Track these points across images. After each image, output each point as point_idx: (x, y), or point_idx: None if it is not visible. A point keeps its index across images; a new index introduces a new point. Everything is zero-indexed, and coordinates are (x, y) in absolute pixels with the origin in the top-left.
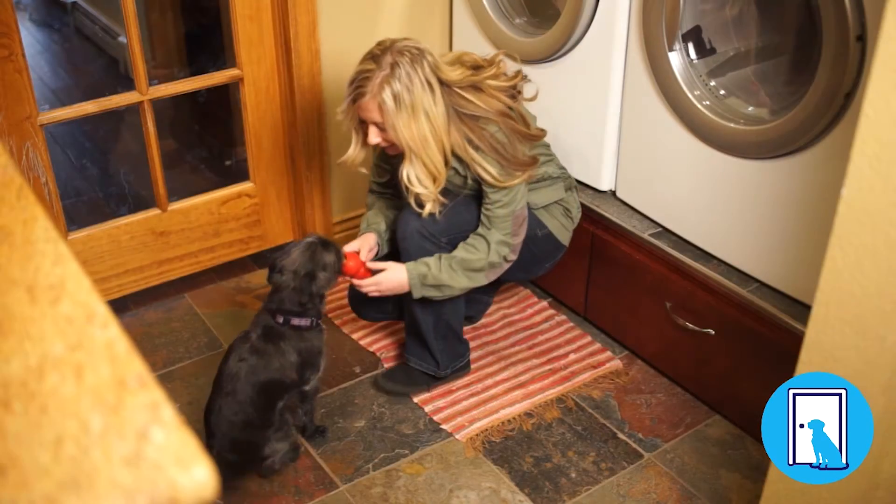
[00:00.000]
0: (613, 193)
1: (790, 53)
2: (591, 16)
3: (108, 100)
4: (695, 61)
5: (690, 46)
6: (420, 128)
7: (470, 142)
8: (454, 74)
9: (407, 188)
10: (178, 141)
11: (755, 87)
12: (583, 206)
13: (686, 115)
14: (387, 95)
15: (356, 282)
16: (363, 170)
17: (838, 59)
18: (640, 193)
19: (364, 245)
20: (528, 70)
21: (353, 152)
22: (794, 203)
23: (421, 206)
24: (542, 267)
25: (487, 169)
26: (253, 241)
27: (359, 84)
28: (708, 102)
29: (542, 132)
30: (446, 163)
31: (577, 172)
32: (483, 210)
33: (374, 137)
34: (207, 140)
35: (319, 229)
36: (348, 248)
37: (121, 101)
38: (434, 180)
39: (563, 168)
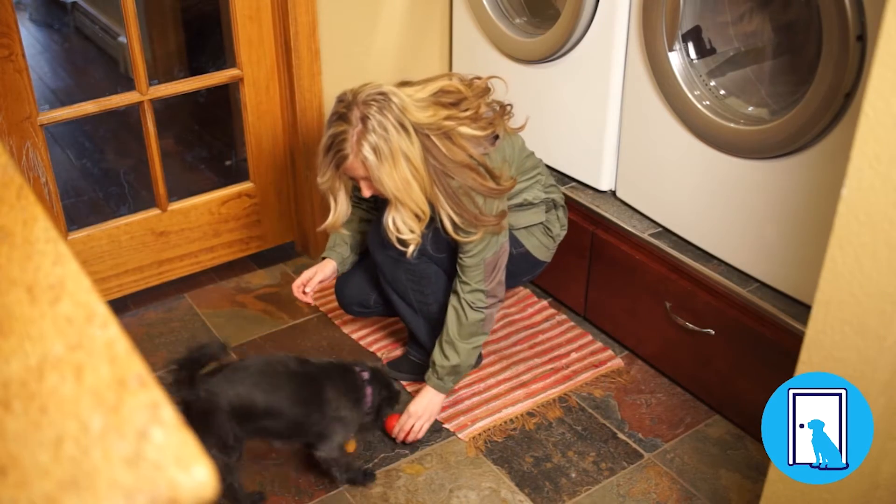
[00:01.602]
0: (613, 193)
1: (790, 53)
2: (591, 16)
3: (108, 100)
4: (695, 61)
5: (690, 46)
6: (402, 173)
7: (434, 184)
8: (423, 117)
9: (390, 232)
10: (178, 141)
11: (755, 87)
12: (583, 206)
13: (686, 115)
14: (367, 151)
15: (408, 439)
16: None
17: (838, 59)
18: (640, 193)
19: (319, 274)
20: (528, 70)
21: (340, 212)
22: (794, 203)
23: (405, 245)
24: (519, 280)
25: (445, 218)
26: (253, 241)
27: (337, 148)
28: (708, 102)
29: (512, 182)
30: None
31: (577, 172)
32: (458, 255)
33: (367, 191)
34: (207, 140)
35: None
36: (304, 275)
37: (121, 101)
38: (419, 220)
39: (549, 187)
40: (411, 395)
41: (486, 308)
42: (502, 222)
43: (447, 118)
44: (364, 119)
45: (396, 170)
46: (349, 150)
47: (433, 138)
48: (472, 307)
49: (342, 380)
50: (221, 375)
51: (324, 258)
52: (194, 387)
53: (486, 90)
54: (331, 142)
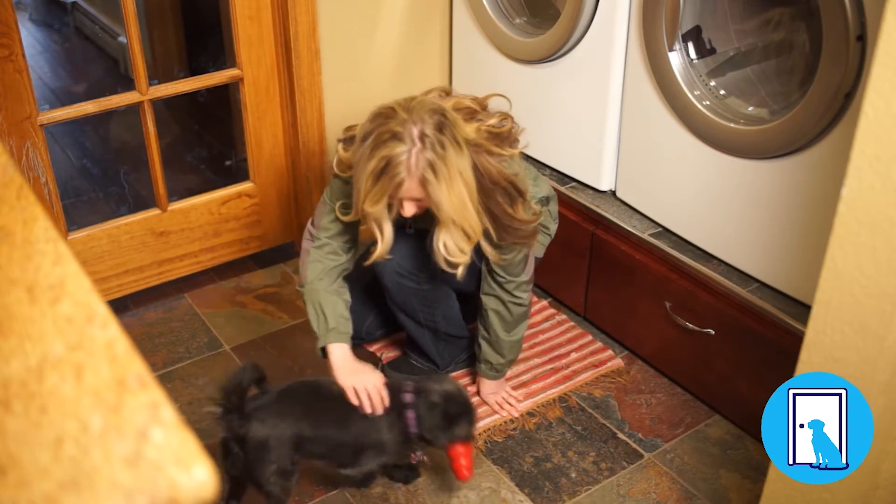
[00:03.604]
0: (613, 193)
1: (790, 53)
2: (591, 16)
3: (107, 100)
4: (695, 61)
5: (690, 46)
6: (458, 192)
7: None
8: (470, 131)
9: (439, 254)
10: (178, 141)
11: (755, 87)
12: (583, 205)
13: (686, 115)
14: (426, 171)
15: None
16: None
17: (838, 59)
18: (640, 193)
19: (365, 376)
20: (528, 70)
21: (387, 241)
22: (794, 203)
23: (453, 267)
24: None
25: (485, 239)
26: (253, 242)
27: (394, 172)
28: (708, 102)
29: (538, 210)
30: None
31: (577, 172)
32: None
33: (411, 209)
34: (207, 140)
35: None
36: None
37: (121, 101)
38: (469, 240)
39: (536, 180)
40: None
41: (527, 296)
42: (539, 227)
43: (485, 135)
44: (423, 137)
45: (453, 190)
46: (405, 171)
47: (477, 155)
48: (515, 303)
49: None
50: (272, 401)
51: (329, 344)
52: (243, 417)
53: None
54: (385, 164)
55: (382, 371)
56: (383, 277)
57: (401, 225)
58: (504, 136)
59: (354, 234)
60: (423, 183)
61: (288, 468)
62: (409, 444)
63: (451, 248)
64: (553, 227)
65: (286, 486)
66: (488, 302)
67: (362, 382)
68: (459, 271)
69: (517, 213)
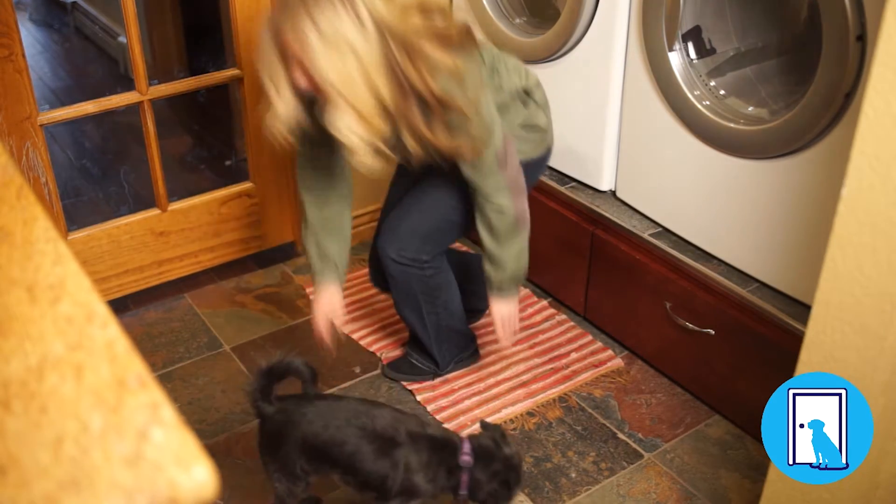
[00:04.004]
0: (613, 193)
1: (790, 53)
2: (591, 16)
3: (107, 100)
4: (695, 61)
5: (690, 46)
6: (347, 66)
7: (406, 104)
8: (389, 14)
9: (336, 134)
10: (178, 141)
11: (755, 86)
12: (582, 205)
13: (686, 115)
14: (309, 28)
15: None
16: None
17: (838, 59)
18: (640, 193)
19: (334, 313)
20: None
21: (282, 109)
22: (794, 203)
23: (351, 154)
24: (529, 189)
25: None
26: (253, 242)
27: (282, 27)
28: (708, 102)
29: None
30: (387, 119)
31: (577, 172)
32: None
33: (300, 78)
34: (207, 140)
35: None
36: (320, 312)
37: (121, 101)
38: (364, 125)
39: (511, 73)
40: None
41: (513, 206)
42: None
43: (418, 29)
44: (318, 1)
45: (338, 60)
46: (291, 27)
47: (401, 50)
48: (496, 210)
49: (429, 456)
50: (309, 408)
51: (318, 280)
52: (269, 401)
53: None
54: (277, 19)
55: (382, 371)
56: (388, 271)
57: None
58: (448, 39)
59: (328, 141)
60: (303, 41)
61: (295, 472)
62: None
63: (342, 126)
64: (542, 118)
65: (291, 489)
66: (475, 214)
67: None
68: (355, 160)
69: (433, 134)
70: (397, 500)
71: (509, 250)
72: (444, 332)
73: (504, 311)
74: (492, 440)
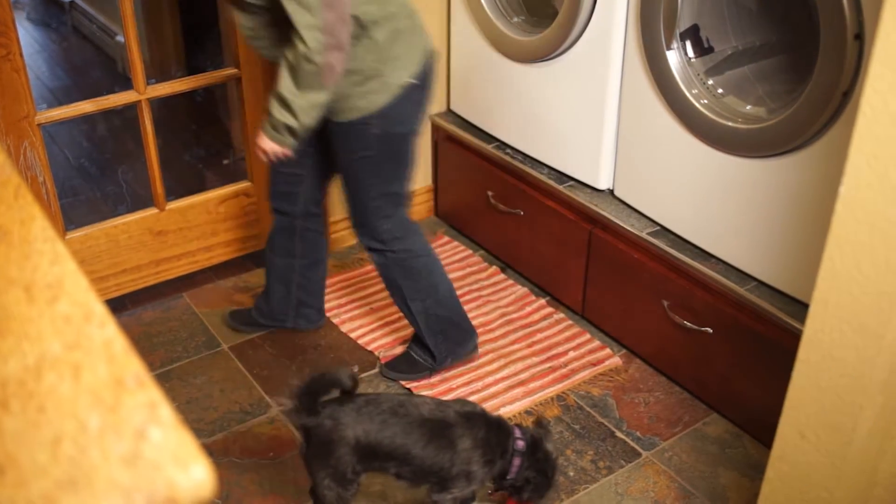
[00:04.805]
0: (611, 192)
1: (788, 52)
2: (589, 15)
3: (105, 99)
4: (693, 60)
5: (688, 45)
6: None
7: None
8: None
9: None
10: (176, 140)
11: (753, 85)
12: (581, 204)
13: (684, 114)
14: None
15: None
16: None
17: (836, 58)
18: (638, 192)
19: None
20: (526, 69)
21: None
22: (792, 201)
23: None
24: (406, 159)
25: None
26: (251, 241)
27: None
28: (706, 101)
29: None
30: None
31: (575, 171)
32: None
33: None
34: (205, 139)
35: None
36: None
37: (118, 101)
38: None
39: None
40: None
41: (322, 50)
42: None
43: None
44: None
45: None
46: None
47: None
48: (306, 58)
49: (486, 434)
50: (351, 407)
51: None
52: (316, 414)
53: None
54: None
55: (380, 371)
56: (373, 262)
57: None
58: None
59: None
60: None
61: (347, 476)
62: (499, 481)
63: None
64: (389, 71)
65: (342, 495)
66: (285, 52)
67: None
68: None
69: None
70: (456, 488)
71: (304, 99)
72: (435, 322)
73: (265, 146)
74: (538, 433)
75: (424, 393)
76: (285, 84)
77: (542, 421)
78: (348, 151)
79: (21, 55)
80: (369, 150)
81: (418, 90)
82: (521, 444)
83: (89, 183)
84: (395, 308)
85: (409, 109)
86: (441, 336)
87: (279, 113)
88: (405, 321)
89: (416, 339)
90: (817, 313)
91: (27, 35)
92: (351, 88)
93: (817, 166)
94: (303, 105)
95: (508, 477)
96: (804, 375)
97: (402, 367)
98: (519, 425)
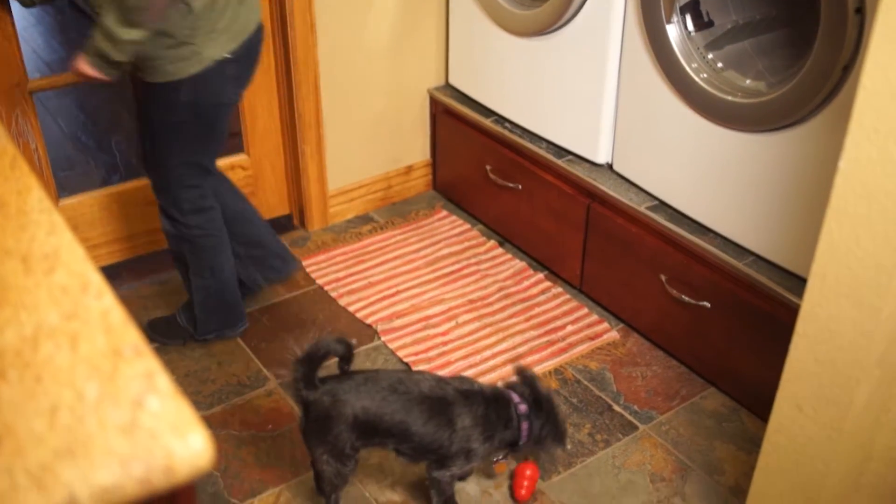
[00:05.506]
0: (610, 166)
1: (788, 26)
2: None
3: None
4: (693, 34)
5: (688, 19)
6: None
7: None
8: None
9: None
10: None
11: (753, 59)
12: (579, 178)
13: (684, 88)
14: None
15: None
16: None
17: (836, 32)
18: (637, 166)
19: None
20: (525, 43)
21: None
22: (791, 176)
23: None
24: (217, 125)
25: None
26: None
27: None
28: (706, 75)
29: None
30: None
31: (574, 145)
32: None
33: None
34: None
35: (315, 202)
36: None
37: None
38: None
39: None
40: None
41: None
42: None
43: None
44: None
45: None
46: None
47: None
48: None
49: (486, 410)
50: (350, 384)
51: None
52: (314, 387)
53: None
54: None
55: (149, 327)
56: (163, 230)
57: None
58: None
59: None
60: None
61: (345, 451)
62: (497, 451)
63: None
64: (202, 42)
65: (341, 470)
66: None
67: None
68: None
69: None
70: (455, 465)
71: (124, 33)
72: (212, 301)
73: (82, 68)
74: (527, 385)
75: (423, 367)
76: (110, 16)
77: (521, 368)
78: (155, 113)
79: (13, 24)
80: (175, 115)
81: (234, 65)
82: (523, 407)
83: (83, 153)
84: (393, 282)
85: (221, 83)
86: (213, 315)
87: (100, 41)
88: (404, 295)
89: (187, 307)
90: (815, 287)
91: (22, 7)
92: (162, 51)
93: (817, 141)
94: (122, 38)
95: (521, 443)
96: (801, 349)
97: (161, 328)
98: (512, 386)
